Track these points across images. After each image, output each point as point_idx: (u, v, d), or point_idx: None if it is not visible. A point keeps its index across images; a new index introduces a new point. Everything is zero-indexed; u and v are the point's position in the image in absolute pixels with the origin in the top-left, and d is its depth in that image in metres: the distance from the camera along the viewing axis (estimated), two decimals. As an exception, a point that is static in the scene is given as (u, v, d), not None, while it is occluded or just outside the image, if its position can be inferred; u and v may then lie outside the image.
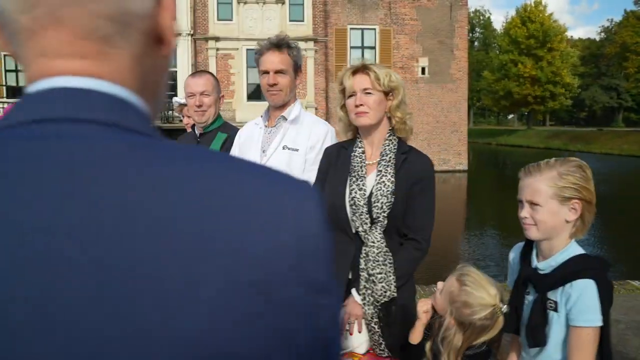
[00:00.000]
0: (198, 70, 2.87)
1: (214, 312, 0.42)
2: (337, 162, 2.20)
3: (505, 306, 1.76)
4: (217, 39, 25.53)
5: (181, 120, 4.81)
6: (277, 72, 2.53)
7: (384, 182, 2.03)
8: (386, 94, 2.09)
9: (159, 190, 0.44)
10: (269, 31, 25.97)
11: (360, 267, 2.04)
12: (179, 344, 0.41)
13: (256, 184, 0.47)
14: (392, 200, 2.02)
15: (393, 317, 2.01)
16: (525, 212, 1.70)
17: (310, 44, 26.39)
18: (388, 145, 2.10)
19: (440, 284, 1.92)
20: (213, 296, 0.42)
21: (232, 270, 0.43)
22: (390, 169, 2.05)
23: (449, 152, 26.81)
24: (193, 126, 3.22)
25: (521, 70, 47.83)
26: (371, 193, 2.05)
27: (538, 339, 1.70)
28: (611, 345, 1.67)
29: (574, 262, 1.65)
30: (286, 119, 2.61)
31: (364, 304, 2.04)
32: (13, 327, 0.40)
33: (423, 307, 1.94)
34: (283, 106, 2.62)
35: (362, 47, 27.46)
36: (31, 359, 0.40)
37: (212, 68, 25.88)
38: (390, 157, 2.08)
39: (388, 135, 2.13)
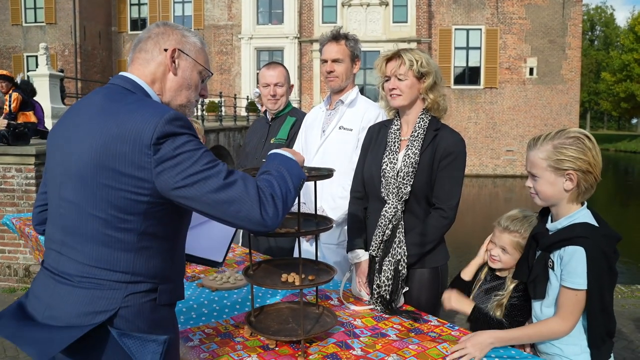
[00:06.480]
0: (271, 62, 3.29)
1: (99, 148, 1.37)
2: (377, 138, 2.48)
3: None
4: (321, 41, 26.19)
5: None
6: (334, 60, 2.89)
7: (409, 155, 2.27)
8: (418, 78, 2.33)
9: (101, 111, 1.43)
10: (372, 33, 26.29)
11: (384, 230, 2.29)
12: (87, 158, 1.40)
13: (135, 112, 1.38)
14: (414, 171, 2.25)
15: (403, 278, 2.23)
16: (528, 182, 1.88)
17: (413, 45, 26.25)
18: (419, 123, 2.34)
19: (498, 250, 2.19)
20: (102, 143, 1.37)
21: (113, 135, 1.37)
22: (417, 144, 2.28)
23: (557, 156, 25.47)
24: (265, 111, 3.65)
25: (647, 71, 44.03)
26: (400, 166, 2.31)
27: (537, 291, 1.88)
28: (611, 313, 1.77)
29: (573, 229, 1.78)
30: (343, 103, 2.96)
31: (376, 261, 2.28)
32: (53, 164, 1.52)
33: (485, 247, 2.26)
34: (342, 91, 2.97)
35: (467, 48, 26.92)
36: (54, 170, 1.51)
37: (317, 69, 26.69)
38: (419, 134, 2.31)
39: (421, 114, 2.36)
